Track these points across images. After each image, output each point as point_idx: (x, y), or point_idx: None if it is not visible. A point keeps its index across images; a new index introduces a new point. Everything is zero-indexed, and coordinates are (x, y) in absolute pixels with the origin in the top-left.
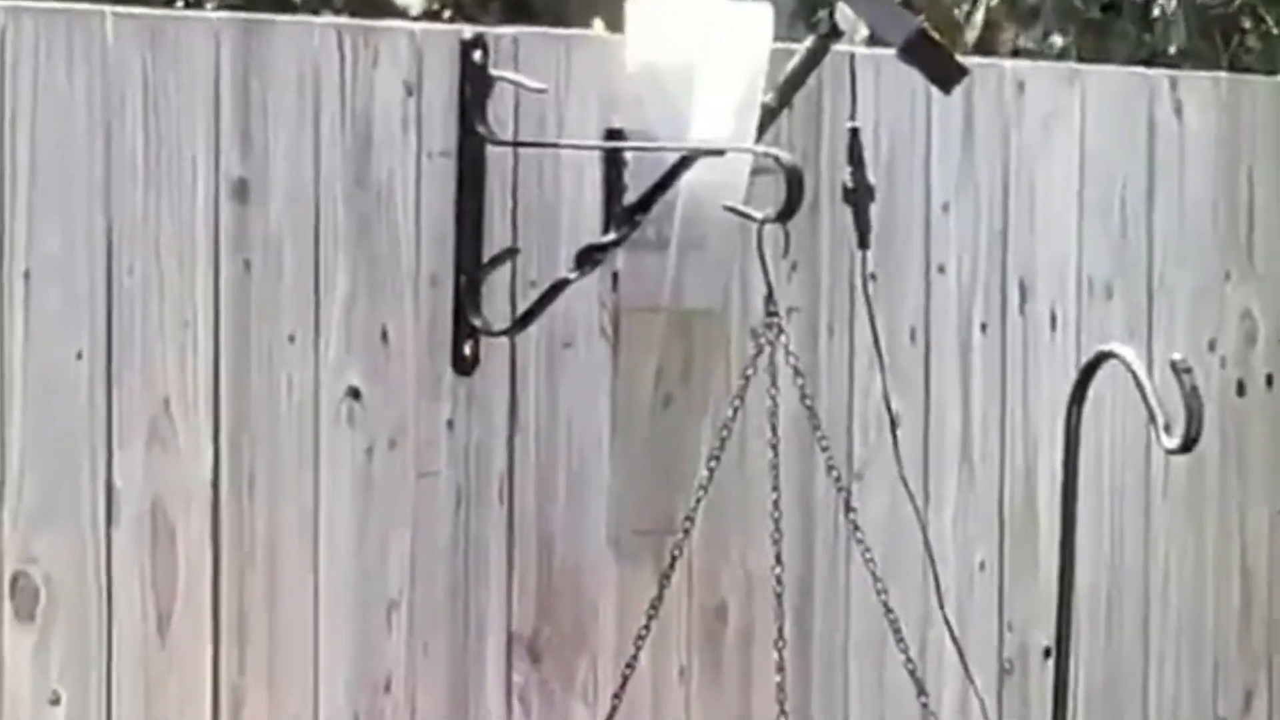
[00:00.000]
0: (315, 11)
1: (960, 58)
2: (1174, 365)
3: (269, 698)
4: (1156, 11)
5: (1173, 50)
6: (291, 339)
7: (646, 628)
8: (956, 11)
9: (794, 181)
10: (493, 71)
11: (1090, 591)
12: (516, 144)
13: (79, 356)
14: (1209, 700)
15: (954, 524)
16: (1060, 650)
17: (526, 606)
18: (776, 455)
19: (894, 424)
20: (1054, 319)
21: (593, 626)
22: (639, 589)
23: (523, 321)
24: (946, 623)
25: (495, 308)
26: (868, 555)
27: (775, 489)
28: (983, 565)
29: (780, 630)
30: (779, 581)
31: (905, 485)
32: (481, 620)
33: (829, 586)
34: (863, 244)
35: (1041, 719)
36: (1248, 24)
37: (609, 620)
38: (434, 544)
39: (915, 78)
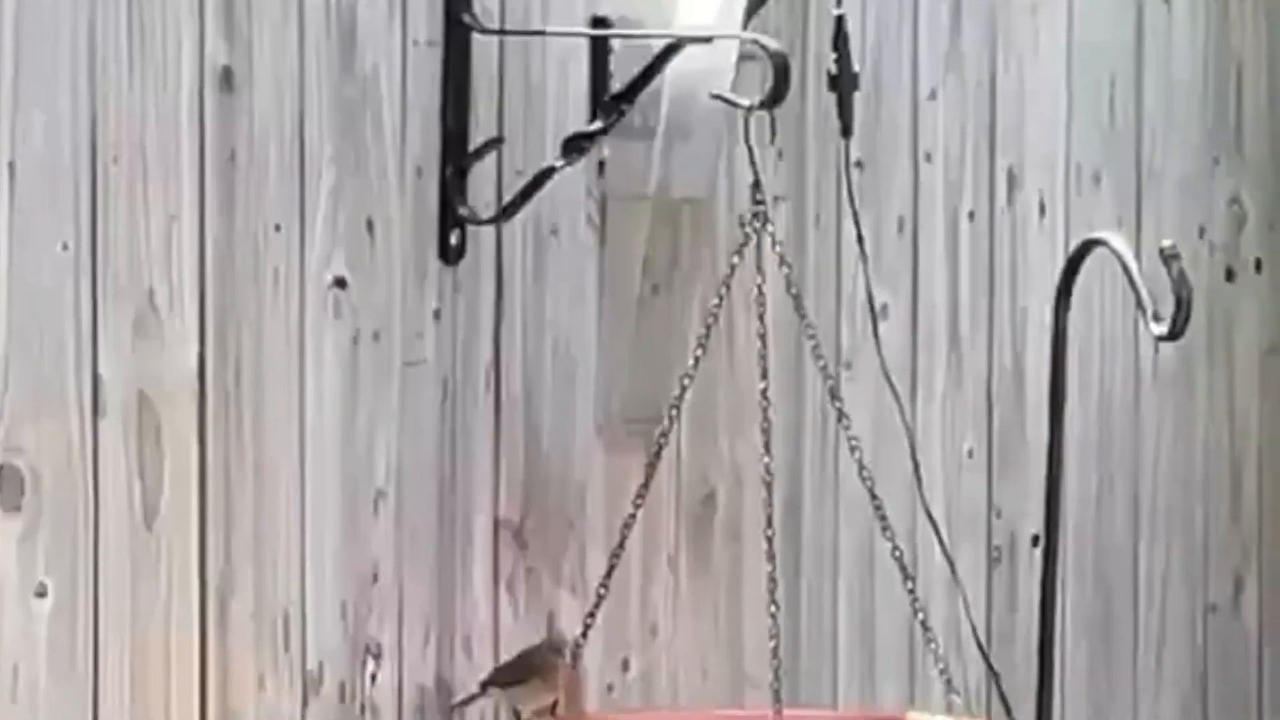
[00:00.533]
0: None
1: None
2: (1162, 252)
3: (256, 589)
4: None
5: None
6: (277, 229)
7: (633, 516)
8: None
9: (780, 69)
10: None
11: (1079, 479)
12: (502, 32)
13: (64, 248)
14: (1199, 587)
15: (942, 412)
16: (1049, 538)
17: (513, 495)
18: (764, 344)
19: (875, 316)
20: (1042, 207)
21: (580, 515)
22: (626, 477)
23: (509, 210)
24: (927, 512)
25: (481, 197)
26: (855, 444)
27: (763, 377)
28: (971, 453)
29: (769, 519)
30: (767, 470)
31: (887, 377)
32: (468, 509)
33: (818, 475)
34: (846, 132)
35: (1030, 607)
36: None
37: (596, 509)
38: (420, 433)
39: None
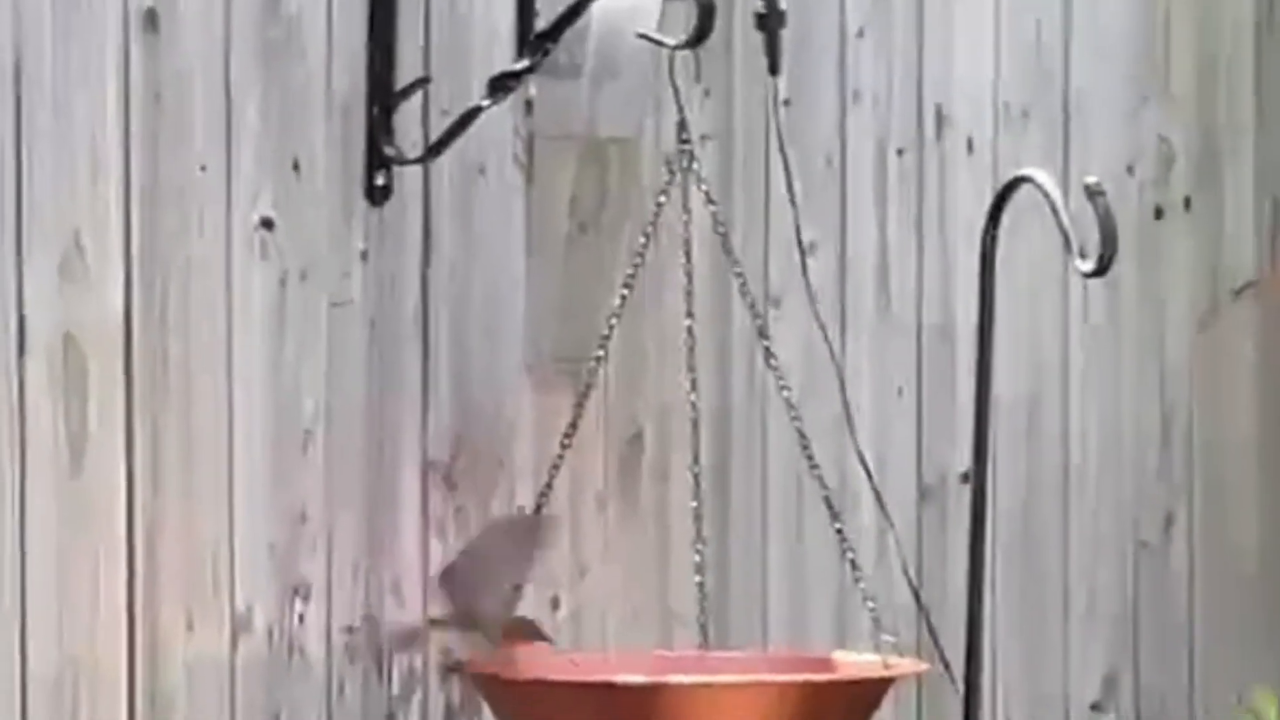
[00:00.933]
0: None
1: None
2: (1087, 188)
3: (184, 531)
4: None
5: None
6: (203, 170)
7: (561, 456)
8: None
9: (705, 7)
10: None
11: (1008, 416)
12: None
13: None
14: (1129, 524)
15: (871, 351)
16: (978, 475)
17: (442, 435)
18: (690, 283)
19: (804, 254)
20: (970, 145)
21: (508, 455)
22: (555, 417)
23: (435, 150)
24: (857, 449)
25: (408, 137)
26: (783, 383)
27: (689, 315)
28: (900, 391)
29: (695, 457)
30: (693, 409)
31: (816, 315)
32: (397, 450)
33: (746, 414)
34: (774, 70)
35: (960, 543)
36: None
37: (525, 448)
38: (348, 374)
39: None
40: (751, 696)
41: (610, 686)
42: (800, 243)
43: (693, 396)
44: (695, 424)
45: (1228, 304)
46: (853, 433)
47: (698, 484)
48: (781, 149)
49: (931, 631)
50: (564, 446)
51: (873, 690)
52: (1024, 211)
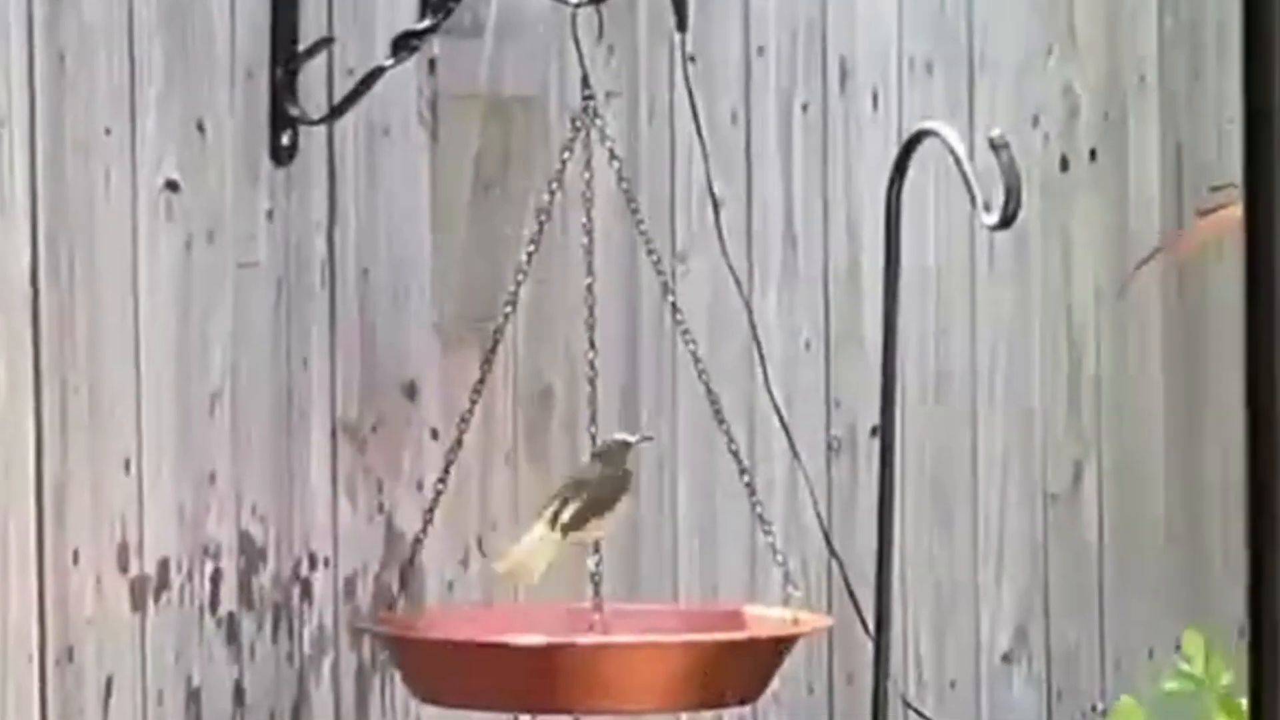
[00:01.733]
0: None
1: None
2: (991, 141)
3: (92, 494)
4: None
5: None
6: (108, 133)
7: (469, 413)
8: None
9: None
10: None
11: (917, 368)
12: None
13: None
14: (1038, 476)
15: (778, 304)
16: (886, 428)
17: (350, 395)
18: (590, 240)
19: (716, 208)
20: (875, 98)
21: (417, 414)
22: (463, 375)
23: (339, 110)
24: (771, 398)
25: (312, 98)
26: (689, 338)
27: (589, 273)
28: (808, 344)
29: (594, 415)
30: (591, 366)
31: (728, 264)
32: (305, 410)
33: (654, 370)
34: (681, 26)
35: (870, 496)
36: None
37: (433, 407)
38: (256, 335)
39: None
40: (653, 655)
41: (508, 646)
42: (713, 195)
43: (591, 355)
44: (593, 383)
45: (1140, 269)
46: (767, 383)
47: (594, 442)
48: (692, 104)
49: (846, 582)
50: (472, 404)
51: (777, 647)
52: (930, 164)
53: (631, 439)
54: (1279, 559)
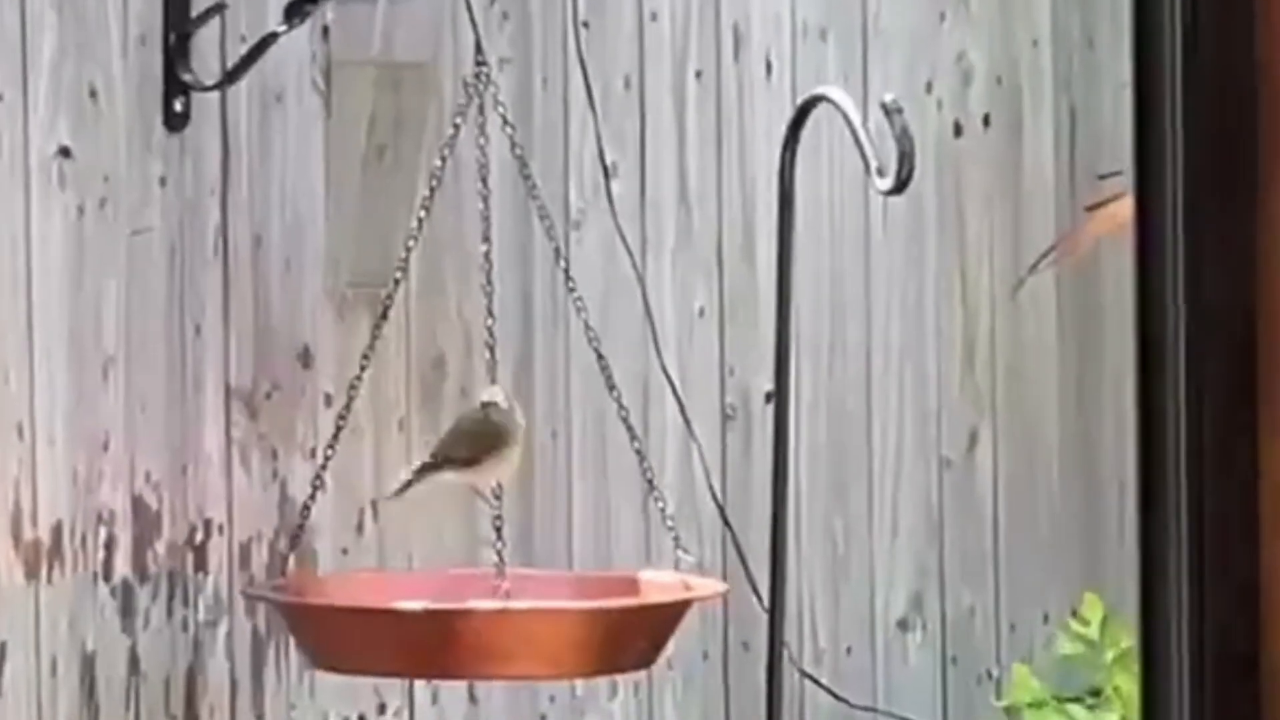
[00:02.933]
0: None
1: None
2: (884, 106)
3: None
4: None
5: None
6: (0, 98)
7: (359, 378)
8: None
9: None
10: None
11: (811, 335)
12: None
13: None
14: (933, 441)
15: (672, 271)
16: (780, 395)
17: (244, 361)
18: (486, 206)
19: (608, 174)
20: (769, 65)
21: (310, 380)
22: (355, 341)
23: (233, 76)
24: (662, 367)
25: (205, 64)
26: (580, 305)
27: (486, 240)
28: (702, 311)
29: (492, 381)
30: (490, 334)
31: (622, 237)
32: (199, 376)
33: (548, 337)
34: None
35: (765, 464)
36: None
37: (326, 373)
38: (149, 301)
39: None
40: (549, 621)
41: (404, 613)
42: (604, 163)
43: (489, 322)
44: (492, 350)
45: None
46: (658, 351)
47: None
48: (583, 70)
49: (739, 550)
50: (362, 369)
51: (670, 612)
52: (824, 130)
53: (499, 396)
54: (1169, 514)
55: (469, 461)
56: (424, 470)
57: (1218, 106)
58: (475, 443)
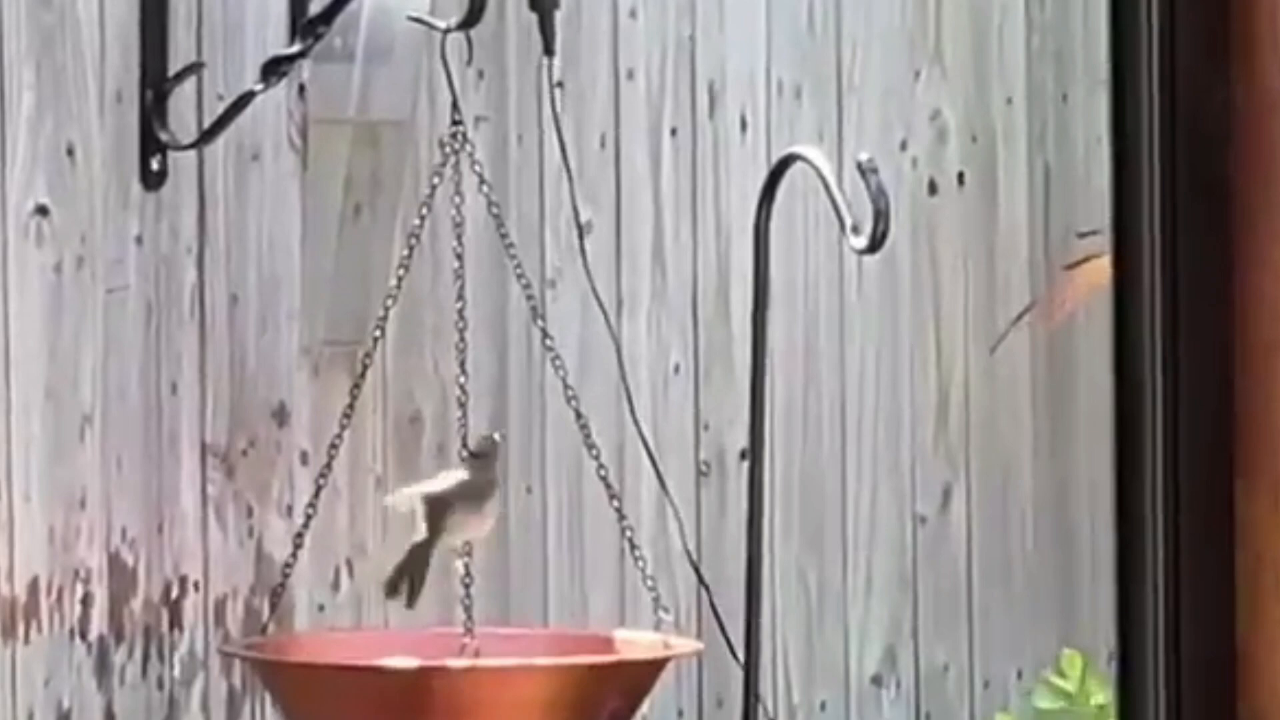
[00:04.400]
0: None
1: None
2: (859, 165)
3: None
4: None
5: None
6: None
7: (339, 437)
8: None
9: None
10: None
11: (785, 392)
12: None
13: None
14: (907, 498)
15: (648, 328)
16: (754, 451)
17: (220, 420)
18: (462, 264)
19: (581, 233)
20: (744, 123)
21: (287, 438)
22: (332, 400)
23: (209, 135)
24: (636, 425)
25: (182, 122)
26: (558, 363)
27: (460, 298)
28: (677, 368)
29: (464, 440)
30: (463, 391)
31: (594, 291)
32: (175, 434)
33: (524, 394)
34: (548, 51)
35: (739, 520)
36: None
37: (303, 432)
38: (126, 359)
39: None
40: (524, 679)
41: (379, 670)
42: (578, 221)
43: (462, 379)
44: (464, 407)
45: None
46: (632, 410)
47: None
48: (558, 129)
49: (713, 607)
50: (342, 428)
51: (648, 670)
52: (797, 187)
53: (495, 436)
54: (1146, 576)
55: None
56: (436, 511)
57: (1194, 154)
58: (482, 490)
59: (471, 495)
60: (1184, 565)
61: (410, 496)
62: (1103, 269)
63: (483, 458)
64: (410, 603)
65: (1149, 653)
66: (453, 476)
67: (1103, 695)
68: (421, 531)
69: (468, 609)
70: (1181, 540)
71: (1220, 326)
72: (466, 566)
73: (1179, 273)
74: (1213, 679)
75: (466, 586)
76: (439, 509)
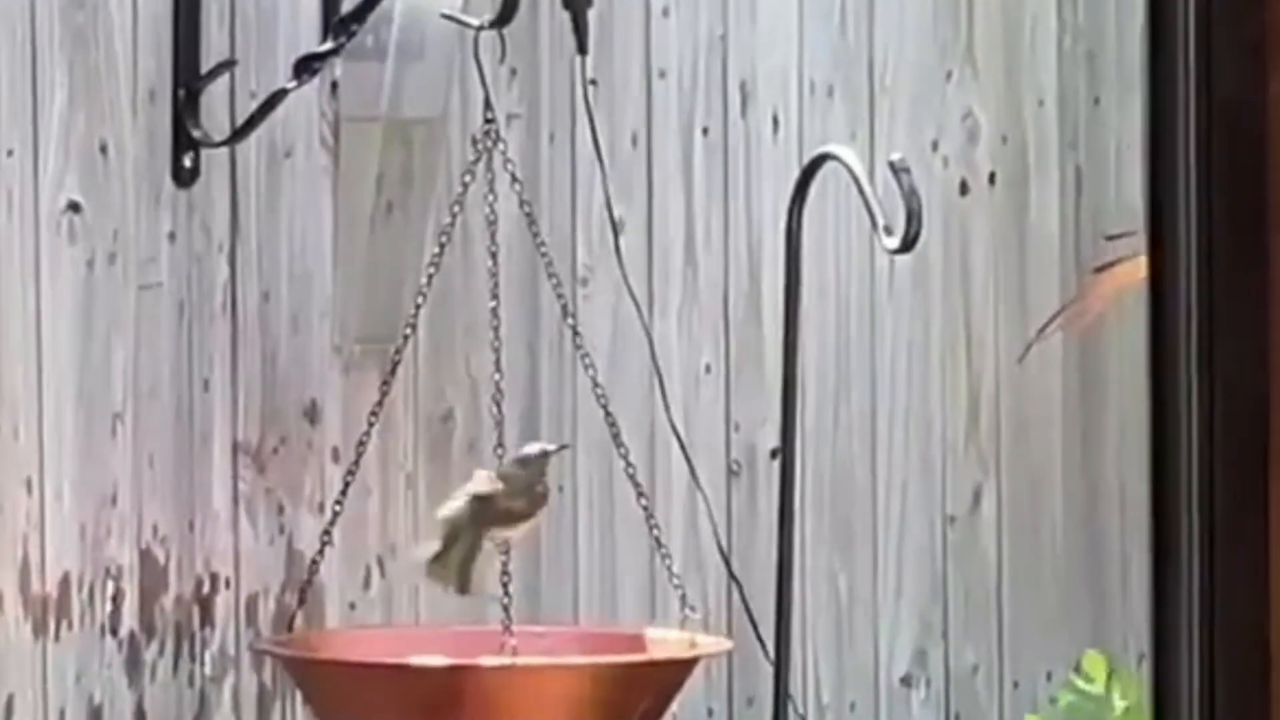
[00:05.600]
0: None
1: None
2: (892, 165)
3: None
4: None
5: None
6: (10, 154)
7: (367, 434)
8: None
9: None
10: None
11: (816, 392)
12: None
13: None
14: (938, 499)
15: (679, 328)
16: (785, 451)
17: (252, 417)
18: (495, 262)
19: (616, 230)
20: (776, 122)
21: (318, 436)
22: (363, 397)
23: (242, 132)
24: (670, 422)
25: (214, 120)
26: (588, 361)
27: (494, 296)
28: (708, 368)
29: (499, 438)
30: (498, 389)
31: (628, 286)
32: (207, 431)
33: (554, 393)
34: (581, 49)
35: (770, 520)
36: None
37: (334, 430)
38: (157, 356)
39: None
40: (555, 678)
41: (411, 668)
42: (612, 219)
43: (496, 377)
44: (499, 405)
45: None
46: (666, 406)
47: (502, 464)
48: (592, 127)
49: (745, 605)
50: (371, 425)
51: (677, 669)
52: (829, 186)
53: (551, 448)
54: (1181, 580)
55: (520, 518)
56: (475, 521)
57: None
58: (530, 499)
59: (518, 498)
60: (1219, 566)
61: (457, 506)
62: (1132, 271)
63: (533, 466)
64: (463, 589)
65: (1183, 653)
66: (498, 480)
67: (1128, 696)
68: (464, 526)
69: (506, 608)
70: (1216, 541)
71: (1257, 325)
72: (505, 565)
73: (1215, 271)
74: (1247, 679)
75: (505, 585)
76: (484, 509)
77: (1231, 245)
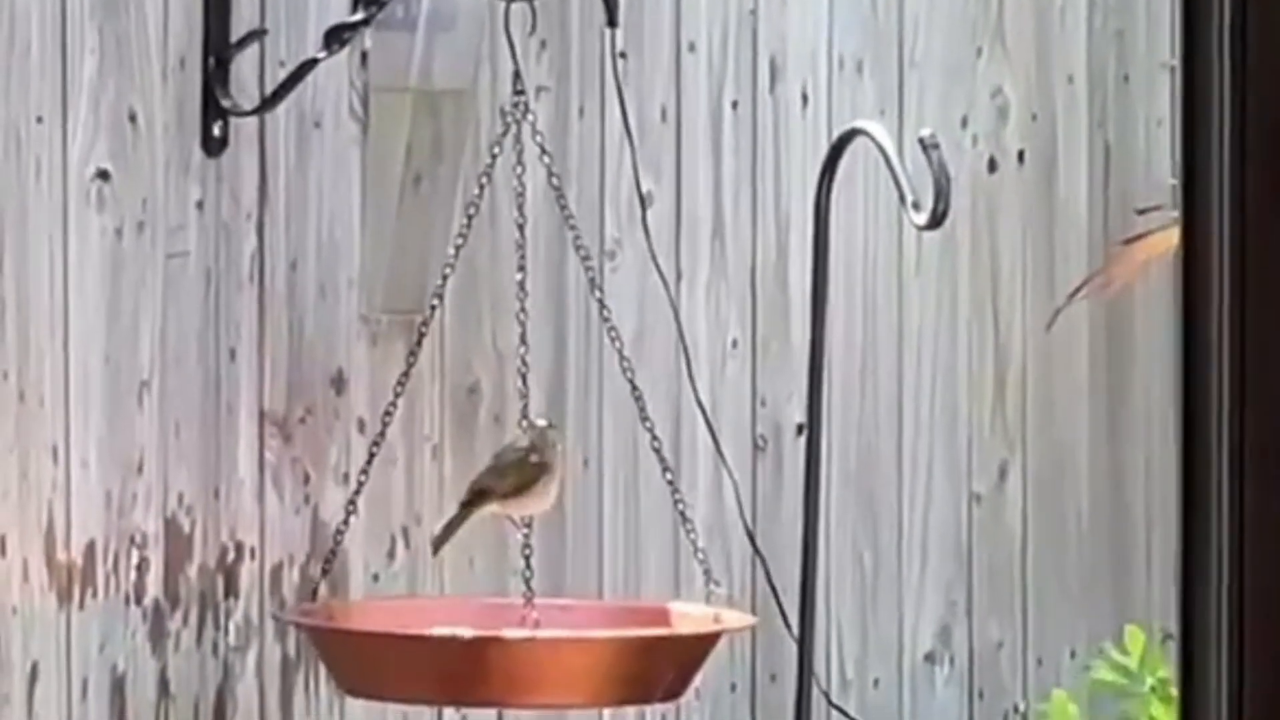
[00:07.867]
0: None
1: None
2: (922, 141)
3: (20, 480)
4: None
5: None
6: (39, 121)
7: (393, 404)
8: None
9: None
10: None
11: (843, 367)
12: None
13: None
14: (963, 475)
15: (706, 302)
16: (812, 426)
17: (278, 386)
18: (522, 235)
19: (644, 204)
20: (805, 97)
21: (344, 406)
22: (389, 368)
23: (271, 102)
24: (696, 397)
25: (244, 88)
26: (614, 334)
27: (521, 269)
28: (735, 343)
29: (524, 409)
30: (524, 362)
31: (655, 261)
32: (233, 400)
33: (581, 366)
34: (612, 22)
35: (795, 495)
36: None
37: (360, 400)
38: (184, 325)
39: None
40: (579, 651)
41: (434, 640)
42: (640, 193)
43: (522, 350)
44: (524, 378)
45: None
46: (692, 380)
47: (527, 436)
48: (621, 100)
49: (769, 580)
50: (396, 395)
51: (701, 644)
52: (858, 162)
53: (541, 423)
54: (1211, 557)
55: (512, 493)
56: (466, 508)
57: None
58: (520, 474)
59: (514, 471)
60: (1249, 544)
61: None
62: (1160, 243)
63: (536, 443)
64: (434, 551)
65: (1211, 631)
66: (508, 453)
67: (1162, 670)
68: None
69: (528, 580)
70: (1247, 519)
71: None
72: (526, 538)
73: (1248, 244)
74: (1278, 658)
75: (526, 558)
76: (486, 478)
77: (1264, 218)
